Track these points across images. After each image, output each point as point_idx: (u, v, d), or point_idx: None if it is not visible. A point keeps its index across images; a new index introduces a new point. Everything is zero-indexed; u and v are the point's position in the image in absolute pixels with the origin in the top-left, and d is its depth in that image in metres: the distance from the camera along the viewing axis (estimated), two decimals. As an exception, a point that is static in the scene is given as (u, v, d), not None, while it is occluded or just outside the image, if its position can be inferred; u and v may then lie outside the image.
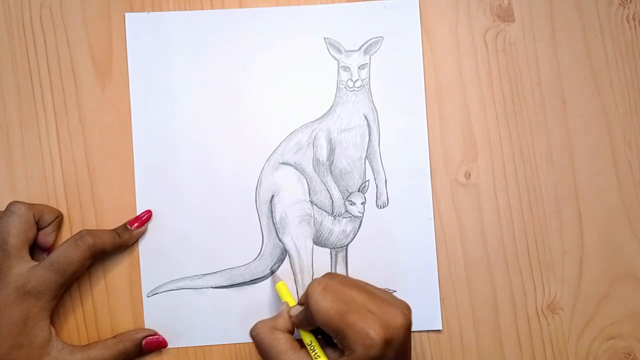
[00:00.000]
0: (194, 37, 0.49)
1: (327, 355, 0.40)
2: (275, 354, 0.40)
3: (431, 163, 0.49)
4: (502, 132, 0.49)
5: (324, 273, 0.43)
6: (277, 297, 0.47)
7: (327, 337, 0.41)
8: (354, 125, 0.49)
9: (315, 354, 0.40)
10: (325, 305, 0.39)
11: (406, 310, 0.40)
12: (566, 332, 0.48)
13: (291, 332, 0.42)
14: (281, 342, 0.41)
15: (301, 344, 0.42)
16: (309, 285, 0.40)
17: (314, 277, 0.48)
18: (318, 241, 0.48)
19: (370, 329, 0.38)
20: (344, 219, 0.49)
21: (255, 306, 0.48)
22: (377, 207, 0.48)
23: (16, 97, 0.48)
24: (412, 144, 0.49)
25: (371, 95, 0.49)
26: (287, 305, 0.44)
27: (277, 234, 0.48)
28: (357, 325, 0.38)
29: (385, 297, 0.41)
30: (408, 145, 0.49)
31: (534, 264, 0.49)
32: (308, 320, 0.40)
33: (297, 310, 0.43)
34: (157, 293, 0.47)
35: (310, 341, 0.42)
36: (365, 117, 0.49)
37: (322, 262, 0.48)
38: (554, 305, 0.48)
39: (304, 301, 0.41)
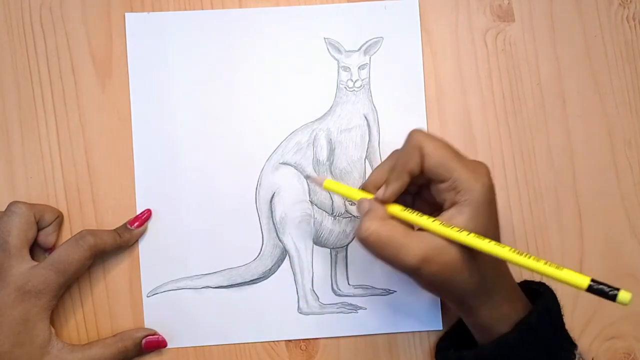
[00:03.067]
0: (194, 37, 0.49)
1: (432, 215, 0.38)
2: (398, 241, 0.37)
3: (431, 163, 0.49)
4: (502, 132, 0.49)
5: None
6: (281, 295, 0.47)
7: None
8: (354, 126, 0.49)
9: (428, 218, 0.38)
10: (437, 143, 0.38)
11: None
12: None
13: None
14: (398, 229, 0.37)
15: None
16: (411, 132, 0.39)
17: (314, 277, 0.48)
18: (318, 241, 0.48)
19: (482, 170, 0.38)
20: (344, 219, 0.48)
21: (255, 306, 0.48)
22: (377, 207, 0.48)
23: (16, 97, 0.48)
24: (412, 144, 0.49)
25: (371, 96, 0.49)
26: (367, 199, 0.40)
27: (277, 234, 0.48)
28: (471, 166, 0.37)
29: None
30: (408, 145, 0.49)
31: (534, 264, 0.49)
32: (408, 168, 0.38)
33: (381, 190, 0.40)
34: (157, 293, 0.47)
35: (407, 209, 0.39)
36: (365, 117, 0.49)
37: (322, 262, 0.48)
38: (554, 305, 0.48)
39: (393, 165, 0.40)
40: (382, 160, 0.45)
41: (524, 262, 0.36)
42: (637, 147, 0.49)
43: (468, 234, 0.37)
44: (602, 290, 0.33)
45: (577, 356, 0.40)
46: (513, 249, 0.36)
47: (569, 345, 0.41)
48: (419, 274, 0.37)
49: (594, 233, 0.49)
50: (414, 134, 0.39)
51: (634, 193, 0.49)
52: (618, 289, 0.33)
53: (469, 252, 0.37)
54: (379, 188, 0.40)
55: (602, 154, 0.49)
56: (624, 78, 0.50)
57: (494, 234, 0.38)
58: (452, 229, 0.37)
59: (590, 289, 0.34)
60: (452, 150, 0.39)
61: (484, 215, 0.37)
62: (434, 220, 0.38)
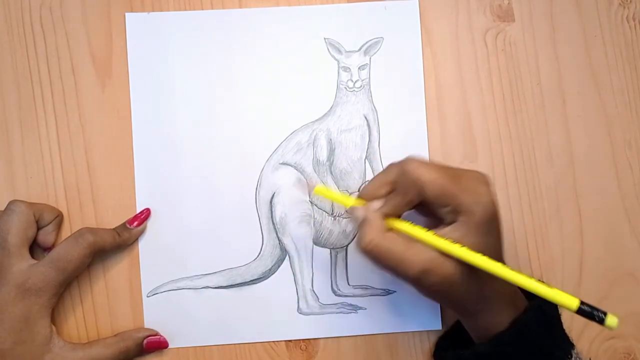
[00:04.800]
0: (194, 37, 0.49)
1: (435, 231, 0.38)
2: (400, 253, 0.37)
3: (431, 163, 0.49)
4: (502, 132, 0.49)
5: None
6: (281, 295, 0.47)
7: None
8: (354, 126, 0.49)
9: (425, 230, 0.38)
10: (434, 174, 0.38)
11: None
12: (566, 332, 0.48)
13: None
14: (398, 241, 0.38)
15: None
16: (405, 164, 0.38)
17: (314, 277, 0.48)
18: (318, 241, 0.48)
19: (482, 189, 0.38)
20: (344, 220, 0.48)
21: (255, 306, 0.48)
22: (377, 207, 0.48)
23: (16, 97, 0.48)
24: (412, 144, 0.49)
25: (371, 96, 0.49)
26: (363, 207, 0.40)
27: (277, 234, 0.48)
28: (471, 188, 0.37)
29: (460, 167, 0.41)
30: (408, 145, 0.49)
31: (534, 264, 0.49)
32: (406, 200, 0.38)
33: (378, 203, 0.40)
34: (157, 293, 0.47)
35: (409, 223, 0.39)
36: (365, 118, 0.49)
37: (322, 263, 0.48)
38: (554, 306, 0.48)
39: (393, 182, 0.39)
40: (380, 170, 0.43)
41: (516, 278, 0.36)
42: (637, 147, 0.49)
43: (462, 247, 0.37)
44: (590, 313, 0.34)
45: (574, 356, 0.40)
46: (504, 265, 0.37)
47: (566, 345, 0.41)
48: (420, 285, 0.38)
49: (594, 233, 0.49)
50: (409, 166, 0.38)
51: (634, 193, 0.49)
52: (605, 313, 0.34)
53: (468, 265, 0.38)
54: (374, 199, 0.40)
55: (602, 154, 0.49)
56: (624, 78, 0.50)
57: (494, 249, 0.38)
58: (448, 241, 0.37)
59: (579, 312, 0.34)
60: (449, 176, 0.38)
61: (482, 233, 0.38)
62: (431, 233, 0.38)
